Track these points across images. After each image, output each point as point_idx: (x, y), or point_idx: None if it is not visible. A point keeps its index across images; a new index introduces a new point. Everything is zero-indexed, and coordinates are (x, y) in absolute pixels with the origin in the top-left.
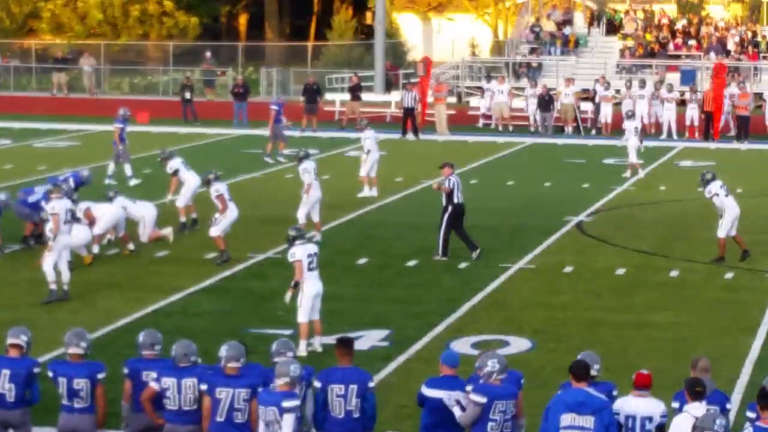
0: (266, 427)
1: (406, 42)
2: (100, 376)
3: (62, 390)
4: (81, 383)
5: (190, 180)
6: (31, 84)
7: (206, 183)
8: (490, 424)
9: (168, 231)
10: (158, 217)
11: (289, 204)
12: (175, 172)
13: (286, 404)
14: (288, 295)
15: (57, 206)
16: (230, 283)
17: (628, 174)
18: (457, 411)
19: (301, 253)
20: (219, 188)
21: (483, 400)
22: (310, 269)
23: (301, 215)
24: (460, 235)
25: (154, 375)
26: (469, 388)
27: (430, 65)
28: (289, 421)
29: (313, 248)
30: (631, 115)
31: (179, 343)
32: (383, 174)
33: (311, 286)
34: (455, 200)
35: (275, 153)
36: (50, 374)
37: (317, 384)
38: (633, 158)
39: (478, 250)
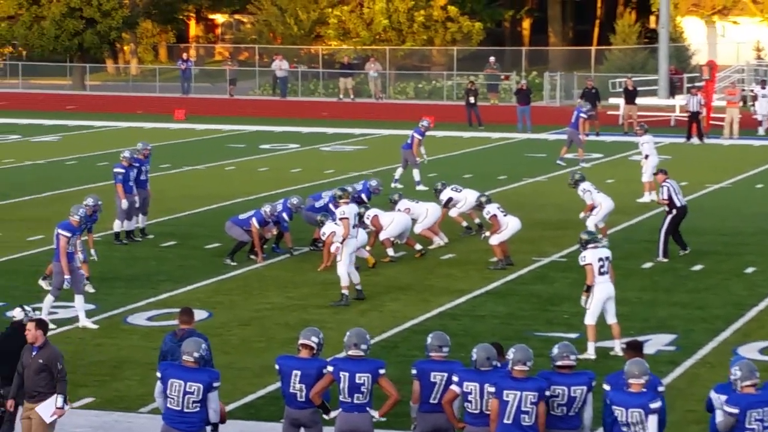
0: (627, 428)
1: (690, 46)
2: (382, 371)
3: (343, 385)
4: (363, 378)
5: (469, 197)
6: (318, 89)
7: (478, 206)
8: None
9: (441, 240)
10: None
11: (573, 208)
12: (448, 202)
13: (653, 405)
14: (583, 299)
15: (347, 211)
16: (515, 286)
17: None
18: (719, 416)
19: (591, 256)
20: (490, 210)
21: (734, 410)
22: (601, 273)
23: (590, 224)
24: (674, 237)
25: (453, 377)
26: (723, 397)
27: (715, 69)
28: (654, 422)
29: (605, 252)
30: None
31: (481, 347)
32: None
33: (602, 290)
34: (678, 204)
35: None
36: (329, 369)
37: (606, 387)
38: None
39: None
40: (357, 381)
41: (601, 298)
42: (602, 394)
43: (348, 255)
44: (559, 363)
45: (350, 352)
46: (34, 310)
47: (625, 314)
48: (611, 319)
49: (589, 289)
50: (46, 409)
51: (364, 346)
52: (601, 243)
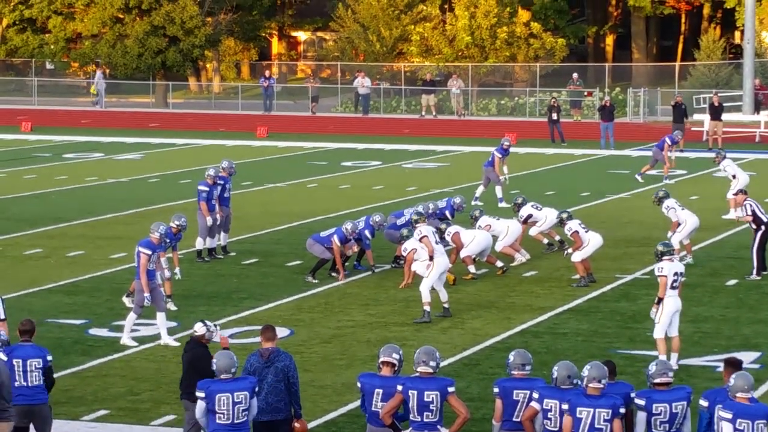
0: None
1: None
2: (451, 389)
3: (412, 404)
4: (431, 396)
5: (549, 216)
6: (401, 106)
7: (559, 223)
8: None
9: (522, 257)
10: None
11: (657, 225)
12: (527, 218)
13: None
14: (653, 311)
15: (423, 229)
16: (597, 304)
17: None
18: None
19: (668, 269)
20: (571, 226)
21: None
22: (673, 287)
23: (675, 242)
24: (757, 254)
25: (533, 394)
26: None
27: None
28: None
29: (680, 267)
30: None
31: (562, 365)
32: (753, 195)
33: (671, 304)
34: (764, 219)
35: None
36: (399, 388)
37: (703, 403)
38: None
39: (763, 273)
40: (425, 399)
41: (670, 311)
42: (699, 410)
43: (437, 273)
44: (657, 380)
45: (419, 369)
46: (213, 324)
47: (709, 331)
48: (674, 332)
49: (659, 301)
50: None
51: (433, 364)
52: (676, 256)
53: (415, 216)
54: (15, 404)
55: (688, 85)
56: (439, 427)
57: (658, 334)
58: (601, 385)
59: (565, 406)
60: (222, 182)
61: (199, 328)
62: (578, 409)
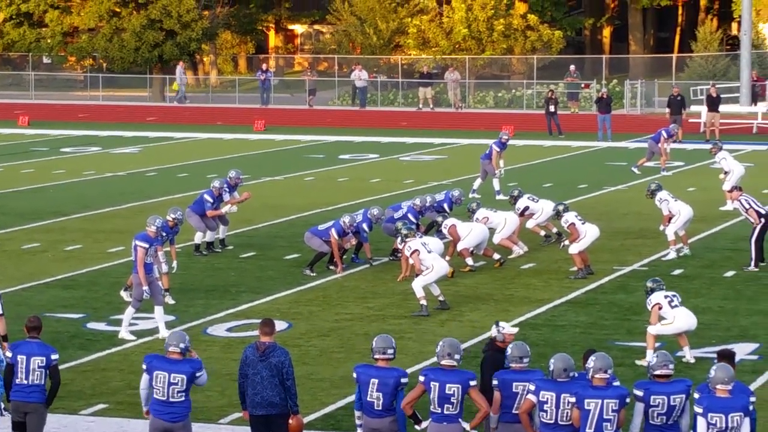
0: None
1: None
2: (472, 383)
3: (433, 395)
4: (453, 388)
5: (546, 208)
6: (398, 99)
7: (556, 215)
8: None
9: (520, 249)
10: (519, 229)
11: (654, 217)
12: (524, 210)
13: (751, 407)
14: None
15: (413, 245)
16: (596, 296)
17: None
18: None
19: (657, 298)
20: (568, 218)
21: None
22: (672, 306)
23: (669, 233)
24: (756, 245)
25: (529, 387)
26: None
27: None
28: (748, 423)
29: (671, 292)
30: None
31: (558, 358)
32: (750, 186)
33: (682, 322)
34: (763, 212)
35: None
36: (421, 378)
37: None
38: None
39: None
40: (447, 391)
41: (680, 327)
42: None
43: (435, 277)
44: (657, 372)
45: (443, 362)
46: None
47: (707, 323)
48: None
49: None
50: None
51: (457, 356)
52: (680, 252)
53: (404, 230)
54: (11, 400)
55: (685, 76)
56: (459, 420)
57: (655, 331)
58: (607, 376)
59: (572, 399)
60: (228, 191)
61: (493, 330)
62: (586, 401)
